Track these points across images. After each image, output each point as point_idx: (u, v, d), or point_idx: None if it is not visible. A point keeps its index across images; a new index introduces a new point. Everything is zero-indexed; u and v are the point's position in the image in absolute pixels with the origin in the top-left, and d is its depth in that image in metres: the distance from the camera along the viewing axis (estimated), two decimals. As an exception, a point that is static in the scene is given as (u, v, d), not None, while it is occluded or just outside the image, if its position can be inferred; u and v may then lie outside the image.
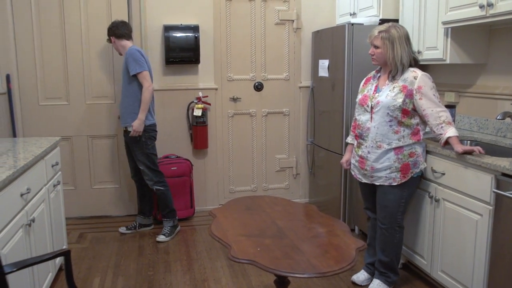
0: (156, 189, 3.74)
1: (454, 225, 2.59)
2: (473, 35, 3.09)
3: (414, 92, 2.55)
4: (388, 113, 2.60)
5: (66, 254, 2.03)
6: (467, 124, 3.34)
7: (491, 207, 2.30)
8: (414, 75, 2.58)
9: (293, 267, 1.93)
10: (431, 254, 2.80)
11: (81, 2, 4.03)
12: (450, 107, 3.20)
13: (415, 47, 3.33)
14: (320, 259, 2.01)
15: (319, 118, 4.29)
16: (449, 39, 3.06)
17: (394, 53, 2.58)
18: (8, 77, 3.93)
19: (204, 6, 4.29)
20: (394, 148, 2.62)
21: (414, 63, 2.65)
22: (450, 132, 2.53)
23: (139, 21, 4.15)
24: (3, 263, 1.66)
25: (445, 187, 2.66)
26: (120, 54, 3.75)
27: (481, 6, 2.60)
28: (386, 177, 2.67)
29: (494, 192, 2.27)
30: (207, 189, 4.55)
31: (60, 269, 3.05)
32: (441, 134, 2.56)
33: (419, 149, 2.68)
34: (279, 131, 4.67)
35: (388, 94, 2.61)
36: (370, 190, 2.84)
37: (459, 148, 2.48)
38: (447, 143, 2.56)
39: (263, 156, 4.66)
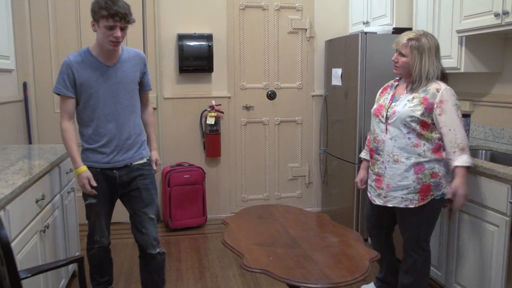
0: (161, 252, 2.64)
1: (470, 236, 2.55)
2: (488, 44, 3.06)
3: (435, 106, 2.33)
4: (405, 125, 2.38)
5: (79, 261, 2.04)
6: (482, 134, 3.31)
7: (508, 218, 2.27)
8: (437, 87, 2.35)
9: (306, 277, 1.92)
10: (446, 265, 2.76)
11: (97, 11, 4.09)
12: (465, 116, 3.16)
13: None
14: (333, 269, 1.99)
15: (332, 127, 4.27)
16: (463, 48, 3.04)
17: (421, 64, 2.36)
18: (25, 85, 4.00)
19: (218, 15, 4.33)
20: (414, 165, 2.38)
21: (441, 77, 2.43)
22: (459, 161, 2.30)
23: (154, 29, 4.19)
24: (18, 268, 1.68)
25: (460, 197, 2.62)
26: (114, 45, 2.38)
27: (496, 15, 2.58)
28: (402, 198, 2.43)
29: (510, 202, 2.23)
30: (219, 197, 4.55)
31: (73, 275, 3.07)
32: (451, 160, 2.34)
33: (442, 169, 2.40)
34: (292, 140, 4.66)
35: (406, 104, 2.39)
36: (378, 212, 2.64)
37: (462, 189, 2.29)
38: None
39: (276, 164, 4.66)
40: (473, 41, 3.03)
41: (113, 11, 2.26)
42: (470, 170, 2.51)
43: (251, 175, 4.62)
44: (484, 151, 3.04)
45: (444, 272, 2.78)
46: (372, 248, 2.84)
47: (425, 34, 2.41)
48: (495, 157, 2.95)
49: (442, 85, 2.36)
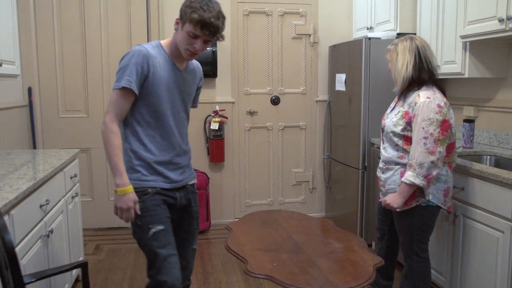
0: (188, 284, 2.38)
1: (475, 242, 2.53)
2: (492, 49, 3.05)
3: (412, 119, 2.31)
4: (390, 138, 2.42)
5: (83, 266, 2.05)
6: (486, 139, 3.29)
7: (512, 224, 2.26)
8: (416, 100, 2.31)
9: (310, 283, 1.91)
10: (451, 271, 2.74)
11: (101, 17, 4.11)
12: (469, 121, 3.16)
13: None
14: (337, 275, 1.98)
15: (336, 132, 4.27)
16: (467, 53, 3.03)
17: (395, 67, 2.39)
18: (30, 90, 4.02)
19: (222, 21, 4.34)
20: (401, 170, 2.38)
21: (428, 79, 2.35)
22: (404, 177, 2.30)
23: (158, 34, 4.20)
24: (22, 273, 1.68)
25: (464, 203, 2.61)
26: (189, 56, 2.01)
27: (500, 20, 2.58)
28: None
29: (515, 208, 2.22)
30: (223, 202, 4.54)
31: (76, 280, 3.07)
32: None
33: None
34: (296, 145, 4.66)
35: (392, 118, 2.42)
36: (383, 210, 2.61)
37: (392, 199, 2.33)
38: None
39: (280, 169, 4.65)
40: (477, 47, 3.02)
41: (205, 20, 1.87)
42: (475, 176, 2.50)
43: (255, 180, 4.62)
44: (488, 156, 3.03)
45: (448, 277, 2.77)
46: (375, 244, 2.80)
47: (407, 38, 2.40)
48: (499, 162, 2.94)
49: (421, 98, 2.29)
